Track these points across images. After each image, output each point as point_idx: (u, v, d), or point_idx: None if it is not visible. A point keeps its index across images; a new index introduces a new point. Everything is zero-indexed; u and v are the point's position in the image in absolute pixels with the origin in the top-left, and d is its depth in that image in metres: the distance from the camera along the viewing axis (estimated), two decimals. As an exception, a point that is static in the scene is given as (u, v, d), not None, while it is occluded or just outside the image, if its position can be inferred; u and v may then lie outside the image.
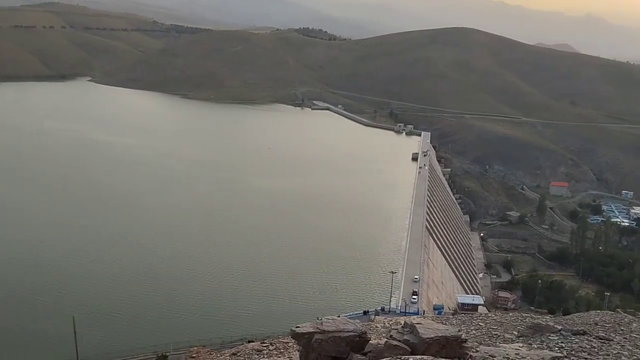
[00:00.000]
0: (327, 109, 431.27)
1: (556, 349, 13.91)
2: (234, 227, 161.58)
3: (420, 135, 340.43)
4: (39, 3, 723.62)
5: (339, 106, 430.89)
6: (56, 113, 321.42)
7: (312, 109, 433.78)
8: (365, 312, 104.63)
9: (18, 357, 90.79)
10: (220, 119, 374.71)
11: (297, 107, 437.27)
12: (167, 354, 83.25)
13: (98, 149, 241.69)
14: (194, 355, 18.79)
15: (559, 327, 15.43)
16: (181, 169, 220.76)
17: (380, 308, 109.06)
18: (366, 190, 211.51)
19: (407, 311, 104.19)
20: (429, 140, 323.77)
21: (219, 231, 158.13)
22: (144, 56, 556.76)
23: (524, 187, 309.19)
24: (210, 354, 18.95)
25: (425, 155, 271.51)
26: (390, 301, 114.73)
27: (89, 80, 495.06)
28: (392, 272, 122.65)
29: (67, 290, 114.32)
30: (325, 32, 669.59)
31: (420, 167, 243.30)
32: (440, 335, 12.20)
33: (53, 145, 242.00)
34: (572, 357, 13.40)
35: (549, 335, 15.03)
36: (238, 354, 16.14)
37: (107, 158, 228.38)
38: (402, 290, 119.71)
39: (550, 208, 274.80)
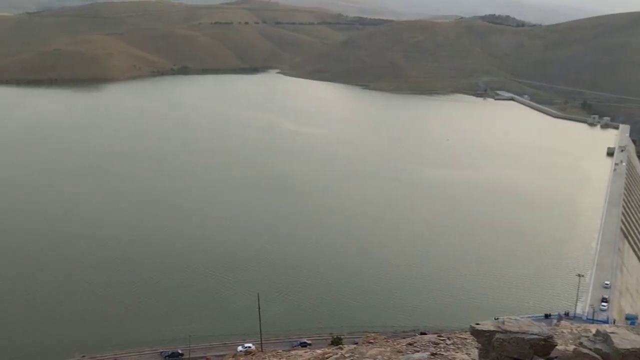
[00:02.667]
0: (512, 99, 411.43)
1: None
2: (407, 219, 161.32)
3: (617, 128, 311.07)
4: (236, 0, 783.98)
5: (524, 96, 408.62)
6: (247, 103, 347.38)
7: (494, 99, 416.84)
8: (546, 316, 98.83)
9: (208, 326, 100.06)
10: (400, 109, 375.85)
11: (479, 97, 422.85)
12: (342, 337, 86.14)
13: (283, 137, 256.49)
14: (371, 340, 19.14)
15: None
16: (359, 158, 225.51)
17: (564, 313, 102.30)
18: (553, 186, 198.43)
19: (594, 318, 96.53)
20: (627, 134, 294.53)
21: (393, 223, 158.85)
22: (328, 48, 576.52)
23: None
24: (387, 340, 19.17)
25: (622, 151, 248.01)
26: (575, 306, 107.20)
27: (278, 73, 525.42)
28: (580, 276, 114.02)
29: (253, 269, 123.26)
30: (513, 18, 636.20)
31: (616, 164, 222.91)
32: (638, 347, 11.12)
33: (242, 133, 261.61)
34: None
35: None
36: (414, 345, 16.12)
37: (292, 147, 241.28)
38: (589, 295, 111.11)
39: None
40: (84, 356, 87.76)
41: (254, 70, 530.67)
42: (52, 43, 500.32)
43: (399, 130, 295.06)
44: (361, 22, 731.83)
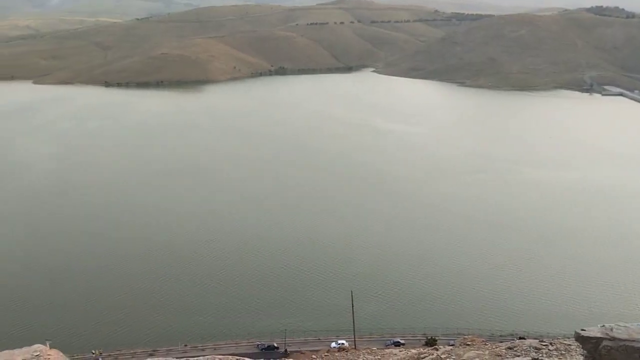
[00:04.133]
0: (621, 94, 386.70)
1: None
2: (510, 221, 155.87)
3: None
4: (332, 1, 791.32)
5: (635, 92, 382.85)
6: (342, 101, 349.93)
7: (602, 94, 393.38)
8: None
9: (303, 321, 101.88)
10: (498, 106, 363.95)
11: (585, 93, 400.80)
12: (437, 338, 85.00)
13: (377, 135, 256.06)
14: (469, 342, 18.90)
15: None
16: (454, 157, 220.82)
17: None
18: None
19: None
20: None
21: (494, 225, 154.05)
22: (424, 45, 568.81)
23: None
24: (485, 343, 18.88)
25: None
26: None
27: (373, 71, 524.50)
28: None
29: (348, 266, 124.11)
30: (622, 9, 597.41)
31: None
32: None
33: (337, 131, 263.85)
34: None
35: None
36: (514, 349, 15.79)
37: (386, 145, 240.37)
38: None
39: None
40: (185, 345, 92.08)
41: (348, 69, 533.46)
42: (159, 47, 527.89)
43: (499, 128, 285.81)
44: (458, 17, 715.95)
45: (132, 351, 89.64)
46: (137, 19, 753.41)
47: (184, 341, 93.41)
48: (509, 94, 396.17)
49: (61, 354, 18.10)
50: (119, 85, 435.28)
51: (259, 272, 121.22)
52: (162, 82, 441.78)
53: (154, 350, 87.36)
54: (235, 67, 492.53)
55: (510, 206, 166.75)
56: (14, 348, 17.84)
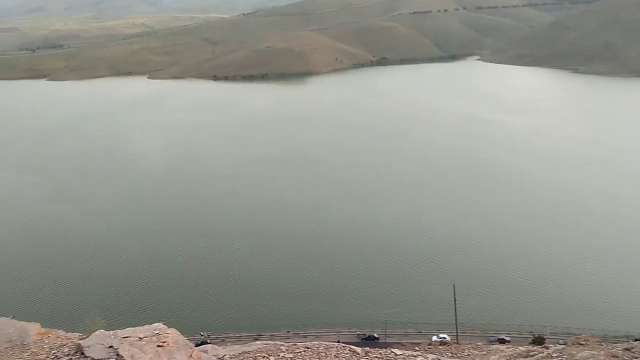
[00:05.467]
0: None
1: None
2: (630, 213, 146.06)
3: None
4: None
5: None
6: (443, 90, 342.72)
7: None
8: None
9: (403, 313, 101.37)
10: (616, 95, 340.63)
11: None
12: (544, 336, 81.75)
13: (480, 126, 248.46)
14: (582, 342, 18.18)
15: None
16: (570, 147, 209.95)
17: None
18: None
19: None
20: None
21: (605, 217, 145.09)
22: (532, 31, 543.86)
23: None
24: (600, 344, 18.06)
25: None
26: None
27: (477, 59, 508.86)
28: None
29: (450, 259, 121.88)
30: None
31: None
32: None
33: (439, 121, 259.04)
34: None
35: None
36: (632, 350, 15.02)
37: (490, 135, 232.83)
38: None
39: None
40: (288, 331, 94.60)
41: (452, 58, 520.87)
42: (264, 41, 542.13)
43: (614, 117, 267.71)
44: (571, 1, 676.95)
45: (237, 335, 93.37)
46: (244, 14, 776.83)
47: (286, 327, 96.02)
48: (629, 81, 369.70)
49: (178, 332, 19.30)
50: (226, 78, 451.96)
51: (360, 263, 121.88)
52: (266, 74, 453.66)
53: (258, 335, 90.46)
54: (337, 59, 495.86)
55: (631, 200, 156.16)
56: (135, 326, 19.29)
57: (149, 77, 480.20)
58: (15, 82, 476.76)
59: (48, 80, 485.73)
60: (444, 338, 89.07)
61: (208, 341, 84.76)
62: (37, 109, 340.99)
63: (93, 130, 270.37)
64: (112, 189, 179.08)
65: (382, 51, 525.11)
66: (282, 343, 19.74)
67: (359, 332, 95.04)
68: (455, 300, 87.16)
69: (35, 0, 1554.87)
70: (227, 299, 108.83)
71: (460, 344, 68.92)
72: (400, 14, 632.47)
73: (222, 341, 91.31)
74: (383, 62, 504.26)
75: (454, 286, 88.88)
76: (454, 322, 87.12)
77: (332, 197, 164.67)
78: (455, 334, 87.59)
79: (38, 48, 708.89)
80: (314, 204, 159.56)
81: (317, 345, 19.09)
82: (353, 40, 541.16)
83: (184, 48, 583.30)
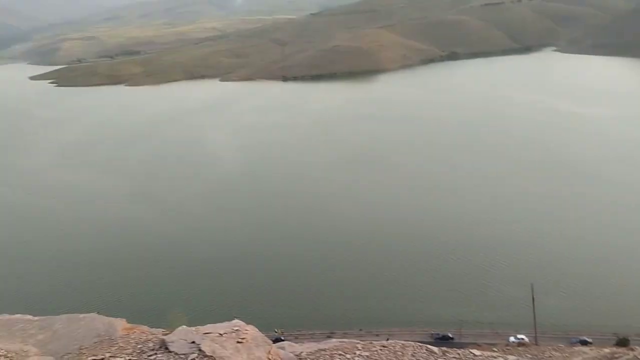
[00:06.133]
0: None
1: None
2: None
3: None
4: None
5: None
6: (519, 84, 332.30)
7: None
8: None
9: (479, 313, 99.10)
10: None
11: None
12: (629, 338, 78.02)
13: (560, 118, 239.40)
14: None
15: None
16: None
17: None
18: None
19: None
20: None
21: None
22: (612, 19, 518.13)
23: None
24: (697, 348, 17.02)
25: None
26: None
27: (554, 50, 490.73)
28: None
29: (528, 257, 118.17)
30: None
31: None
32: None
33: (516, 114, 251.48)
34: None
35: None
36: None
37: (571, 129, 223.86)
38: None
39: None
40: (361, 330, 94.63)
41: (526, 49, 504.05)
42: (332, 40, 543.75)
43: None
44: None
45: (310, 332, 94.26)
46: (311, 14, 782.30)
47: (359, 325, 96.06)
48: None
49: (256, 329, 19.64)
50: (294, 79, 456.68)
51: (432, 260, 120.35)
52: (334, 74, 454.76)
53: (331, 333, 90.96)
54: (405, 55, 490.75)
55: None
56: (212, 323, 19.78)
57: (220, 80, 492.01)
58: (97, 88, 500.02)
59: (126, 85, 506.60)
60: (522, 339, 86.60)
61: (282, 338, 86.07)
62: (119, 112, 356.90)
63: (170, 132, 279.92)
64: (188, 190, 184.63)
65: (451, 45, 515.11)
66: (358, 341, 19.75)
67: (433, 332, 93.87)
68: (533, 299, 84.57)
69: (112, 9, 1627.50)
70: (299, 296, 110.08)
71: (539, 346, 66.76)
72: (471, 6, 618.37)
73: (296, 338, 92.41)
74: (453, 56, 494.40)
75: (532, 285, 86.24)
76: (532, 322, 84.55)
77: (405, 194, 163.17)
78: (533, 335, 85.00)
79: (116, 55, 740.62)
80: (387, 201, 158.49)
81: (393, 344, 18.97)
82: (421, 36, 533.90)
83: (253, 50, 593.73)
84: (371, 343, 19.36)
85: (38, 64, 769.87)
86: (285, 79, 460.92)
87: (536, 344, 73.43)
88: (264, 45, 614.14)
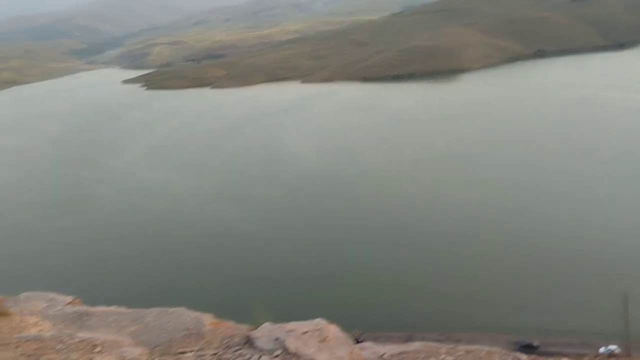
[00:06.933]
0: None
1: None
2: None
3: None
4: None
5: None
6: (612, 83, 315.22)
7: None
8: None
9: (565, 320, 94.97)
10: None
11: None
12: None
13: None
14: None
15: None
16: None
17: None
18: None
19: None
20: None
21: None
22: None
23: None
24: None
25: None
26: None
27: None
28: None
29: (616, 261, 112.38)
30: None
31: None
32: None
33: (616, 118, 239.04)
34: None
35: None
36: None
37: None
38: None
39: None
40: (442, 333, 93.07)
41: (619, 46, 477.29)
42: (411, 39, 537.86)
43: None
44: None
45: (388, 334, 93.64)
46: (392, 14, 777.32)
47: (438, 329, 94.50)
48: None
49: (339, 329, 19.73)
50: (374, 79, 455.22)
51: (514, 263, 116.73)
52: (413, 74, 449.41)
53: (410, 335, 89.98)
54: (487, 54, 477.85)
55: None
56: (294, 322, 20.02)
57: (301, 82, 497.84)
58: (184, 90, 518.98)
59: (211, 88, 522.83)
60: (614, 350, 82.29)
61: (362, 339, 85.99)
62: (204, 114, 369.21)
63: (252, 132, 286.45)
64: (269, 189, 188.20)
65: (537, 43, 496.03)
66: (441, 345, 19.42)
67: (516, 339, 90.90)
68: (626, 306, 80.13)
69: (198, 13, 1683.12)
70: (378, 297, 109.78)
71: (632, 357, 63.19)
72: (556, 2, 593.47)
73: (375, 340, 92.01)
74: (540, 54, 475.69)
75: (625, 294, 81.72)
76: (624, 332, 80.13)
77: (493, 194, 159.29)
78: (625, 345, 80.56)
79: (202, 59, 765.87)
80: (466, 202, 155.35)
81: (478, 350, 18.53)
82: (504, 34, 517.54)
83: (333, 51, 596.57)
84: (455, 347, 18.98)
85: (129, 68, 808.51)
86: (365, 79, 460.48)
87: (629, 356, 69.55)
88: (344, 46, 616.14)
